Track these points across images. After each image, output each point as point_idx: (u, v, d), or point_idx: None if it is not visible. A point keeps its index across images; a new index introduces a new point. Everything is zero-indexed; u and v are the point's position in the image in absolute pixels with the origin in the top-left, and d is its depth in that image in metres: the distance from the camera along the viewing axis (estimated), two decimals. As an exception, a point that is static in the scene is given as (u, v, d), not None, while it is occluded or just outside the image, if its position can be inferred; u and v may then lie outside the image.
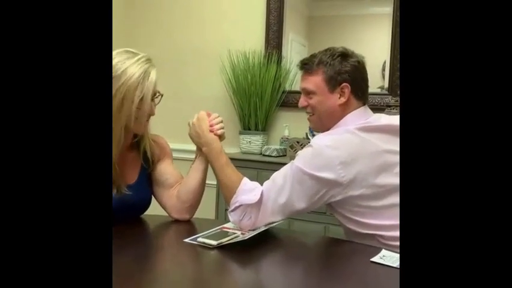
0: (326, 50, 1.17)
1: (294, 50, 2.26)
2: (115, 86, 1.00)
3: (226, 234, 1.03)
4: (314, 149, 1.04)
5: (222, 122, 1.18)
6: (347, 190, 1.02)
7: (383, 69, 2.08)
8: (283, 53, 2.21)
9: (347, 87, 1.12)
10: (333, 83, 1.12)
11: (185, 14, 2.46)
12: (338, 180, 1.01)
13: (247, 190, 1.07)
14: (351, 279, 0.87)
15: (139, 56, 1.05)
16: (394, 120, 1.16)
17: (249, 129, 2.17)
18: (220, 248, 0.96)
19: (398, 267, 0.86)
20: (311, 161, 1.03)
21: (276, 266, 0.99)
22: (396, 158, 1.05)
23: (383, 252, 0.94)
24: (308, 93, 1.15)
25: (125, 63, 1.02)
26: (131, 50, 1.08)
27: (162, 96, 1.10)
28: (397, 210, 1.02)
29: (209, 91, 2.38)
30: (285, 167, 1.08)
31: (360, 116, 1.13)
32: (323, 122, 1.15)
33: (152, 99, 1.07)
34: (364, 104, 1.17)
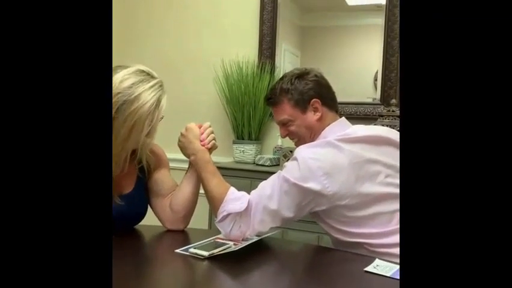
0: (281, 78, 1.21)
1: (287, 60, 2.28)
2: (127, 110, 0.97)
3: (218, 244, 1.02)
4: (299, 161, 1.05)
5: (213, 132, 1.17)
6: (333, 200, 1.03)
7: (375, 79, 2.10)
8: (277, 63, 2.23)
9: (317, 102, 1.15)
10: (302, 104, 1.15)
11: (179, 23, 2.47)
12: (322, 192, 1.02)
13: (234, 199, 1.07)
14: None
15: (155, 82, 1.02)
16: (372, 130, 1.19)
17: (243, 139, 2.17)
18: (212, 258, 0.95)
19: (392, 276, 0.86)
20: (297, 172, 1.04)
21: (268, 276, 0.98)
22: (379, 167, 1.07)
23: (377, 261, 0.94)
24: (284, 123, 1.19)
25: (140, 87, 0.99)
26: (146, 70, 1.05)
27: (163, 118, 1.08)
28: (383, 219, 1.05)
29: (202, 100, 2.38)
30: (272, 176, 1.09)
31: (339, 128, 1.16)
32: (307, 141, 1.17)
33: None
34: (337, 111, 1.20)
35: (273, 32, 2.22)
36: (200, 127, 1.17)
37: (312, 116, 1.16)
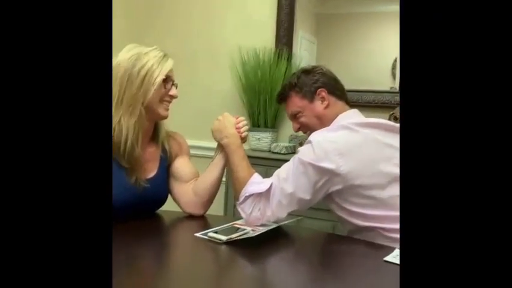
0: (290, 77, 1.30)
1: (303, 48, 2.26)
2: (139, 64, 1.07)
3: (236, 230, 1.04)
4: (313, 144, 1.08)
5: (247, 125, 1.23)
6: (347, 179, 1.05)
7: (393, 68, 2.07)
8: (294, 50, 2.21)
9: (323, 91, 1.21)
10: (309, 95, 1.22)
11: (195, 11, 2.46)
12: (336, 170, 1.04)
13: (257, 182, 1.11)
14: (364, 278, 0.86)
15: (155, 47, 1.12)
16: (388, 121, 1.21)
17: (258, 127, 2.17)
18: (230, 243, 0.96)
19: None
20: (312, 154, 1.07)
21: (285, 263, 0.99)
22: (394, 152, 1.08)
23: (397, 251, 0.94)
24: (295, 116, 1.25)
25: (146, 50, 1.10)
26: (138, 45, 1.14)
27: (177, 86, 1.16)
28: (398, 201, 1.05)
29: (219, 88, 2.38)
30: (287, 162, 1.13)
31: (352, 116, 1.20)
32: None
33: (173, 83, 1.14)
34: (347, 102, 1.25)
35: (290, 19, 2.19)
36: (236, 118, 1.22)
37: (320, 105, 1.21)
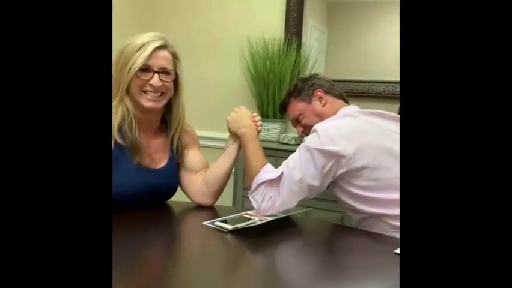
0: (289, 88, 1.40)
1: (313, 37, 2.23)
2: (122, 54, 1.07)
3: (244, 219, 1.05)
4: (318, 131, 1.12)
5: (261, 120, 1.25)
6: (352, 161, 1.08)
7: (405, 58, 2.04)
8: (303, 40, 2.18)
9: (319, 91, 1.30)
10: (307, 97, 1.31)
11: (204, 1, 2.44)
12: (341, 152, 1.07)
13: (268, 171, 1.13)
14: (375, 270, 0.86)
15: (154, 34, 1.09)
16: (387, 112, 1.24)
17: (267, 117, 2.16)
18: (236, 232, 0.98)
19: None
20: (317, 140, 1.10)
21: (291, 253, 0.99)
22: (397, 136, 1.10)
23: None
24: (297, 120, 1.34)
25: (135, 39, 1.08)
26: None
27: (169, 74, 1.10)
28: None
29: (228, 78, 2.37)
30: (294, 152, 1.16)
31: (353, 108, 1.26)
32: None
33: (159, 73, 1.07)
34: (345, 101, 1.32)
35: (300, 8, 2.17)
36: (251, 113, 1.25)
37: (318, 105, 1.29)
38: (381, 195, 1.08)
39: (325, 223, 1.34)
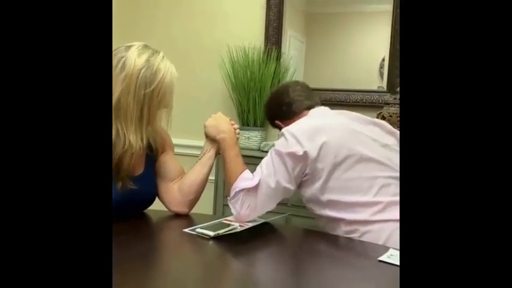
0: (267, 105, 1.48)
1: (292, 47, 2.27)
2: (153, 83, 1.04)
3: (224, 225, 1.05)
4: (285, 134, 1.16)
5: (238, 128, 1.28)
6: (316, 161, 1.11)
7: (381, 67, 2.09)
8: (283, 49, 2.21)
9: (277, 124, 1.38)
10: (273, 124, 1.41)
11: (184, 8, 2.45)
12: (307, 154, 1.11)
13: (247, 178, 1.14)
14: (359, 278, 0.86)
15: (162, 54, 1.09)
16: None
17: (248, 125, 2.17)
18: (217, 238, 0.97)
19: None
20: (285, 143, 1.14)
21: (272, 259, 0.99)
22: (363, 137, 1.18)
23: (391, 251, 0.94)
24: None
25: (156, 59, 1.06)
26: (147, 44, 1.11)
27: None
28: (364, 184, 1.13)
29: (208, 86, 2.38)
30: (265, 157, 1.18)
31: (320, 110, 1.32)
32: None
33: None
34: (310, 107, 1.34)
35: (279, 18, 2.20)
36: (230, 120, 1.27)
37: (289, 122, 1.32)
38: (340, 197, 1.12)
39: (306, 229, 1.34)
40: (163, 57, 1.09)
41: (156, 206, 1.23)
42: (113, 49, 1.04)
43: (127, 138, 1.03)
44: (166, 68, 1.07)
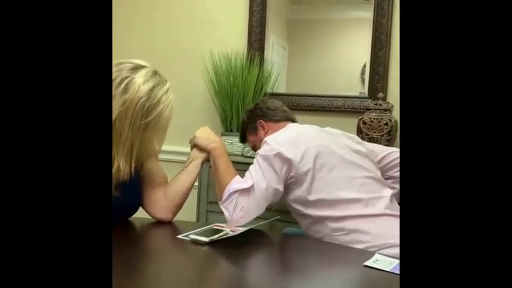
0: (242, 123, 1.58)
1: (275, 53, 2.28)
2: (151, 114, 1.03)
3: (217, 231, 1.06)
4: (268, 142, 1.23)
5: None
6: (300, 165, 1.18)
7: (362, 73, 2.12)
8: (266, 56, 2.23)
9: (260, 122, 1.47)
10: (253, 129, 1.49)
11: (166, 13, 2.44)
12: (291, 157, 1.18)
13: (239, 181, 1.18)
14: (345, 283, 0.87)
15: (168, 85, 1.11)
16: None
17: (231, 131, 2.17)
18: (211, 244, 0.99)
19: (392, 271, 0.87)
20: (268, 147, 1.21)
21: (262, 264, 1.00)
22: (338, 139, 1.31)
23: (376, 256, 0.96)
24: (253, 147, 1.55)
25: (159, 90, 1.07)
26: (157, 70, 1.12)
27: None
28: (348, 183, 1.20)
29: (191, 92, 2.37)
30: (252, 164, 1.23)
31: (295, 124, 1.44)
32: None
33: None
34: (290, 120, 1.48)
35: (262, 24, 2.21)
36: None
37: (263, 133, 1.45)
38: (325, 196, 1.17)
39: (299, 236, 1.35)
40: (167, 89, 1.08)
41: (138, 213, 1.22)
42: (116, 62, 1.02)
43: (117, 161, 1.01)
44: (167, 102, 1.07)
